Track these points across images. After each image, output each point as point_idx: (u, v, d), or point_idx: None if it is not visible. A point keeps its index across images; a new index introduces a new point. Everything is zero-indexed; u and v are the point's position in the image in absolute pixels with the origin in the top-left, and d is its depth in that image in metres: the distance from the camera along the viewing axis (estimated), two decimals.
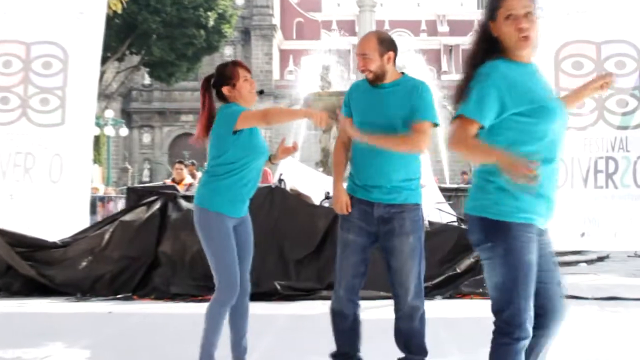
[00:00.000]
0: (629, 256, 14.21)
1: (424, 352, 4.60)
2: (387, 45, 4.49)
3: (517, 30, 3.23)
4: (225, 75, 4.76)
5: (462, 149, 3.22)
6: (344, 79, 21.27)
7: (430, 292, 8.42)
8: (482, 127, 3.23)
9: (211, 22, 42.47)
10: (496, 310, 3.34)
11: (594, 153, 9.58)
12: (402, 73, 4.62)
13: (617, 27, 9.83)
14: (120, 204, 22.02)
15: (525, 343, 3.27)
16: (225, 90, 4.74)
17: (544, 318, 3.36)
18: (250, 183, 4.71)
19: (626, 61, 9.77)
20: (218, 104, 4.82)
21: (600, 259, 14.05)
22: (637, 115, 9.61)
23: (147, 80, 55.93)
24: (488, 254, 3.31)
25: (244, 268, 4.77)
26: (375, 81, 4.47)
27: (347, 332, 4.71)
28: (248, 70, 4.81)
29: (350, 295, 4.60)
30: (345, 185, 4.63)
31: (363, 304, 8.06)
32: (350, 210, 4.48)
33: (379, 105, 4.43)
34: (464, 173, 23.02)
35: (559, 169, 3.34)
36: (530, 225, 3.25)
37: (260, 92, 5.09)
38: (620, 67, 9.73)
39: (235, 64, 4.85)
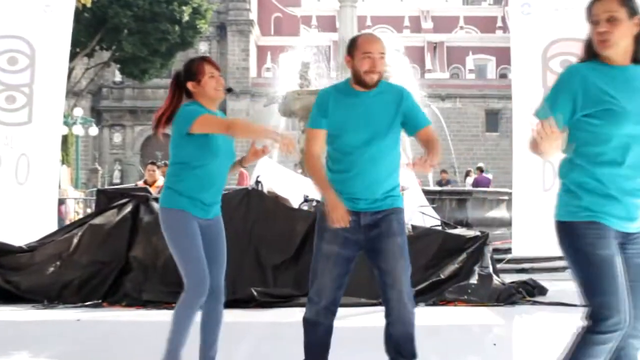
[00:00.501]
0: None
1: (415, 356, 4.59)
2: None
3: (596, 35, 3.42)
4: (191, 70, 4.78)
5: (535, 150, 3.45)
6: (323, 77, 21.24)
7: (415, 299, 8.44)
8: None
9: (185, 17, 42.34)
10: (585, 309, 3.45)
11: None
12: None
13: None
14: (73, 206, 21.96)
15: (608, 338, 3.34)
16: (190, 85, 4.76)
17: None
18: (211, 186, 4.69)
19: None
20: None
21: None
22: None
23: (118, 77, 55.71)
24: (565, 256, 3.50)
25: (216, 274, 4.76)
26: (375, 85, 4.36)
27: (321, 343, 4.70)
28: (216, 67, 4.80)
29: (331, 307, 4.58)
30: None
31: (341, 311, 8.09)
32: (348, 218, 4.31)
33: (367, 112, 4.34)
34: (443, 172, 23.05)
35: (632, 169, 3.36)
36: (597, 223, 3.35)
37: (229, 90, 5.08)
38: None
39: (202, 59, 4.85)
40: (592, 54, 3.48)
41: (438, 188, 19.80)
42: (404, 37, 55.65)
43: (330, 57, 32.31)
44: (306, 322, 4.61)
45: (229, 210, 8.08)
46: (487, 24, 62.53)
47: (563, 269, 12.82)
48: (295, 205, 9.86)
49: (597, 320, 3.35)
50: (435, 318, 7.65)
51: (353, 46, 4.40)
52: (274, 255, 8.88)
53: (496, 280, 8.76)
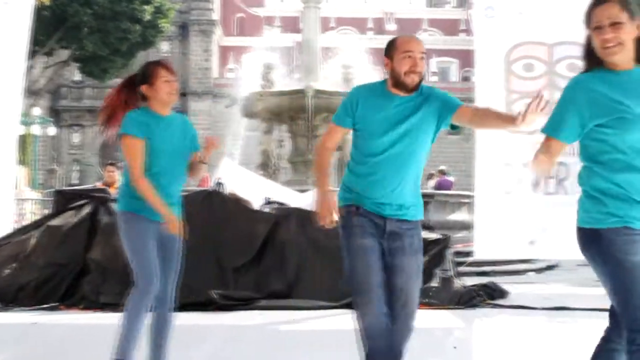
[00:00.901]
0: (578, 265, 14.45)
1: None
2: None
3: (601, 42, 3.40)
4: (146, 73, 4.81)
5: (540, 166, 3.60)
6: (286, 78, 21.23)
7: None
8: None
9: (147, 16, 42.08)
10: (620, 319, 3.42)
11: None
12: None
13: (569, 29, 9.99)
14: (31, 208, 21.76)
15: None
16: (143, 88, 4.79)
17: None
18: (164, 187, 4.71)
19: (578, 63, 9.92)
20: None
21: (549, 267, 14.28)
22: None
23: (78, 76, 55.17)
24: (592, 264, 3.48)
25: (168, 279, 4.81)
26: (415, 88, 4.16)
27: (386, 352, 4.17)
28: (172, 72, 4.81)
29: (383, 307, 4.11)
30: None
31: (302, 314, 8.10)
32: (334, 218, 4.19)
33: (398, 116, 4.15)
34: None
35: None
36: (626, 228, 3.34)
37: (183, 95, 5.11)
38: (572, 70, 9.89)
39: (158, 63, 4.89)
40: (595, 61, 3.48)
41: None
42: (368, 38, 55.71)
43: (294, 58, 32.30)
44: (368, 331, 4.13)
45: (190, 212, 8.00)
46: (450, 27, 62.90)
47: (524, 272, 12.95)
48: (257, 207, 9.84)
49: (637, 330, 3.31)
50: None
51: (392, 47, 4.24)
52: (235, 257, 8.85)
53: (457, 283, 8.81)
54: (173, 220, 4.62)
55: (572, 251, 11.25)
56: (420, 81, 4.15)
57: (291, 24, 57.07)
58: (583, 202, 3.50)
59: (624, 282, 3.33)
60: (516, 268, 12.48)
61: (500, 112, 4.28)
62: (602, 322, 7.60)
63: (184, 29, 58.85)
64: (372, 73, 20.79)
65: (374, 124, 4.15)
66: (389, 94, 4.20)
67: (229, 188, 9.96)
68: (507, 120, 4.02)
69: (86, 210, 9.11)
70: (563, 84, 10.58)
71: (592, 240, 3.43)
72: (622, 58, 3.40)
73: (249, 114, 18.71)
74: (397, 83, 4.16)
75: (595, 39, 3.43)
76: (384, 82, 4.28)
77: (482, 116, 4.25)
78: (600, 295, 10.44)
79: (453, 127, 4.27)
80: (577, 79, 3.50)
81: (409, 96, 4.16)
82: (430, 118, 4.17)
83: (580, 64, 10.60)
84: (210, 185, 12.05)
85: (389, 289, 4.16)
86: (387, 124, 4.13)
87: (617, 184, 3.35)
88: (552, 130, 3.51)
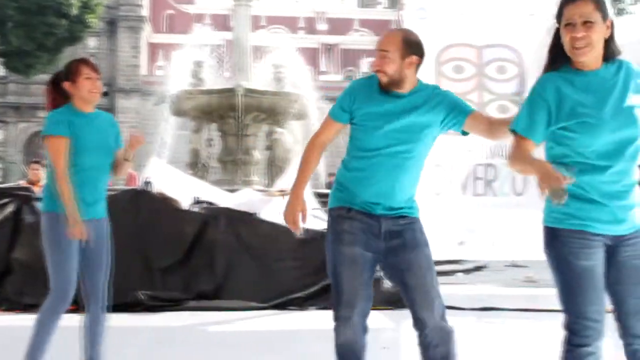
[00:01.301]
0: (506, 266, 14.67)
1: None
2: (413, 48, 4.08)
3: (571, 39, 3.37)
4: (69, 70, 4.83)
5: (516, 166, 3.54)
6: (217, 77, 21.11)
7: (304, 303, 8.49)
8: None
9: (74, 11, 41.45)
10: (563, 318, 3.47)
11: (474, 160, 9.83)
12: (419, 80, 4.17)
13: (498, 31, 10.14)
14: None
15: (588, 351, 3.36)
16: (66, 85, 4.81)
17: (622, 333, 3.44)
18: (88, 185, 4.73)
19: (507, 66, 10.08)
20: None
21: (478, 268, 14.45)
22: None
23: (2, 71, 54.13)
24: (547, 260, 3.51)
25: (98, 278, 4.82)
26: (389, 87, 4.01)
27: None
28: (95, 70, 4.81)
29: (364, 322, 3.97)
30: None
31: (231, 315, 8.07)
32: (300, 225, 4.11)
33: (399, 113, 3.97)
34: (332, 175, 23.20)
35: (617, 175, 3.37)
36: (582, 232, 3.37)
37: (105, 94, 5.08)
38: (501, 72, 10.04)
39: (81, 61, 4.91)
40: (561, 58, 3.45)
41: (329, 191, 19.89)
42: (299, 38, 55.83)
43: (224, 56, 32.13)
44: (342, 348, 3.97)
45: (117, 211, 7.91)
46: (381, 27, 63.22)
47: (453, 272, 13.09)
48: (186, 206, 9.77)
49: (574, 331, 3.39)
50: (327, 322, 7.67)
51: (422, 46, 4.17)
52: (163, 257, 8.77)
53: (387, 283, 8.86)
54: (79, 226, 4.57)
55: (501, 252, 11.48)
56: (390, 80, 3.99)
57: (222, 22, 56.79)
58: (548, 201, 3.46)
59: (571, 284, 3.40)
60: (445, 269, 12.58)
61: (499, 120, 4.19)
62: (528, 322, 7.76)
63: (112, 25, 58.13)
64: (303, 72, 20.84)
65: (371, 117, 3.98)
66: (380, 90, 4.04)
67: (157, 187, 9.86)
68: None
69: (9, 209, 8.94)
70: (492, 85, 10.84)
71: (550, 239, 3.47)
72: (590, 58, 3.39)
73: (178, 112, 18.57)
74: (396, 84, 4.03)
75: (565, 36, 3.40)
76: (370, 78, 4.15)
77: (499, 125, 4.06)
78: (527, 296, 10.67)
79: (464, 132, 4.20)
80: (546, 78, 3.47)
81: (405, 93, 4.03)
82: (432, 118, 4.03)
83: (509, 67, 10.77)
84: (138, 184, 11.93)
85: (404, 291, 3.98)
86: (384, 120, 3.96)
87: (579, 186, 3.35)
88: (524, 129, 3.47)
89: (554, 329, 7.98)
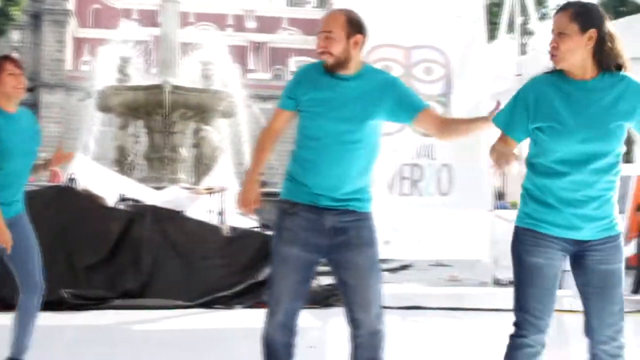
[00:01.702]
0: (431, 265, 14.83)
1: None
2: (357, 26, 3.94)
3: (549, 47, 3.49)
4: None
5: (490, 156, 3.61)
6: (143, 73, 20.93)
7: (231, 301, 8.47)
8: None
9: None
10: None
11: (400, 160, 9.93)
12: (364, 63, 4.04)
13: (425, 33, 10.26)
14: None
15: (525, 342, 3.51)
16: None
17: (589, 335, 3.54)
18: (9, 186, 4.67)
19: (434, 67, 10.21)
20: None
21: (403, 267, 14.59)
22: None
23: None
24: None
25: (29, 268, 4.80)
26: (335, 68, 3.89)
27: None
28: (18, 66, 4.75)
29: (289, 321, 3.96)
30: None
31: (156, 313, 8.01)
32: (254, 210, 4.05)
33: (343, 97, 3.88)
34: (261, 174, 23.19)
35: (576, 184, 3.45)
36: (535, 231, 3.51)
37: (29, 90, 5.03)
38: (428, 73, 10.17)
39: (3, 57, 4.81)
40: None
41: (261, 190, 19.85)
42: (227, 35, 55.59)
43: (152, 52, 31.81)
44: (265, 341, 4.00)
45: (40, 208, 7.83)
46: (310, 26, 63.41)
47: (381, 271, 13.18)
48: (111, 204, 9.67)
49: (515, 323, 3.55)
50: (253, 320, 7.66)
51: (364, 27, 3.99)
52: (87, 255, 8.66)
53: (313, 282, 8.90)
54: (4, 235, 4.53)
55: (425, 251, 11.58)
56: (336, 60, 3.87)
57: (149, 18, 56.28)
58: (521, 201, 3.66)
59: (519, 279, 3.57)
60: None
61: (469, 118, 4.18)
62: (453, 321, 7.86)
63: (36, 18, 57.18)
64: (232, 70, 20.78)
65: (316, 103, 3.89)
66: (324, 74, 3.93)
67: (82, 184, 9.75)
68: (480, 121, 3.99)
69: None
70: (419, 86, 10.93)
71: (513, 236, 3.62)
72: (573, 67, 3.46)
73: (104, 108, 18.37)
74: (343, 64, 3.90)
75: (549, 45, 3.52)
76: (319, 64, 4.01)
77: (451, 124, 4.15)
78: (451, 295, 10.80)
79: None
80: (535, 78, 3.57)
81: (355, 74, 3.92)
82: (380, 106, 3.92)
83: (436, 68, 10.90)
84: (62, 180, 11.77)
85: (342, 289, 3.96)
86: (332, 105, 3.86)
87: (538, 187, 3.51)
88: (505, 126, 3.60)
89: (478, 327, 8.11)
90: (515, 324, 3.54)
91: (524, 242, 3.55)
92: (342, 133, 3.85)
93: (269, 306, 3.97)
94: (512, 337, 3.55)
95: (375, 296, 3.93)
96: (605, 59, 3.44)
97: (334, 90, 3.88)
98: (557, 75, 3.52)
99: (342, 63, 3.88)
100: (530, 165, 3.57)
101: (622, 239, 3.57)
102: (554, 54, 3.46)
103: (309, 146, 3.91)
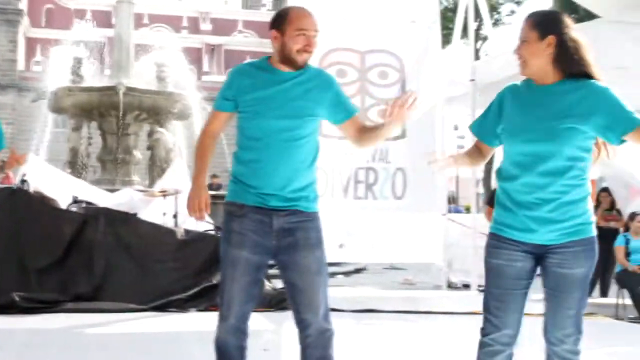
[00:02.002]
0: (385, 268, 14.91)
1: None
2: (272, 22, 3.98)
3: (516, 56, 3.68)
4: None
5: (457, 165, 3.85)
6: (97, 74, 20.74)
7: (185, 304, 8.43)
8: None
9: None
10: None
11: (355, 163, 9.97)
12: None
13: (380, 37, 10.32)
14: None
15: (483, 341, 3.66)
16: None
17: (543, 335, 3.67)
18: None
19: (389, 71, 10.28)
20: None
21: (358, 270, 14.64)
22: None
23: None
24: None
25: None
26: (303, 66, 3.91)
27: None
28: None
29: (241, 324, 3.94)
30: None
31: (109, 317, 7.95)
32: (205, 215, 4.01)
33: (285, 94, 3.88)
34: (214, 176, 23.07)
35: (528, 186, 3.54)
36: (497, 235, 3.67)
37: None
38: (383, 77, 10.23)
39: None
40: None
41: (211, 192, 19.77)
42: (182, 37, 55.35)
43: (105, 53, 31.55)
44: (217, 344, 3.97)
45: None
46: (265, 29, 62.18)
47: (333, 274, 13.21)
48: (64, 206, 9.57)
49: (482, 325, 3.68)
50: (207, 324, 7.64)
51: (283, 20, 3.90)
52: (39, 258, 8.57)
53: (267, 285, 8.88)
54: None
55: (380, 255, 11.65)
56: (284, 58, 3.89)
57: (103, 19, 55.81)
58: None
59: (485, 281, 3.70)
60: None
61: (377, 125, 4.09)
62: (407, 324, 7.91)
63: None
64: (187, 72, 20.69)
65: (257, 102, 3.87)
66: (275, 70, 3.93)
67: (34, 186, 9.64)
68: (384, 127, 3.95)
69: None
70: (374, 90, 10.99)
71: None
72: (534, 73, 3.61)
73: (57, 109, 18.17)
74: (286, 59, 3.90)
75: None
76: (266, 58, 4.01)
77: (365, 133, 4.08)
78: (405, 298, 10.86)
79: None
80: (506, 86, 3.75)
81: (296, 72, 3.91)
82: (319, 105, 3.94)
83: (391, 72, 10.99)
84: (14, 182, 11.63)
85: (290, 291, 3.95)
86: (273, 103, 3.85)
87: (501, 191, 3.67)
88: (477, 132, 3.81)
89: (432, 330, 8.16)
90: (482, 323, 3.67)
91: (489, 245, 3.70)
92: (284, 130, 3.84)
93: (220, 310, 3.96)
94: (480, 335, 3.68)
95: (323, 297, 3.93)
96: (568, 65, 3.54)
97: (277, 87, 3.89)
98: (525, 82, 3.68)
99: (284, 60, 3.90)
100: (498, 170, 3.71)
101: (593, 244, 3.60)
102: (519, 61, 3.63)
103: (253, 146, 3.89)
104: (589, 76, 3.54)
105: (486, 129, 3.75)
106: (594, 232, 3.60)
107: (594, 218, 3.63)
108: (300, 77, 3.92)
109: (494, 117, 3.70)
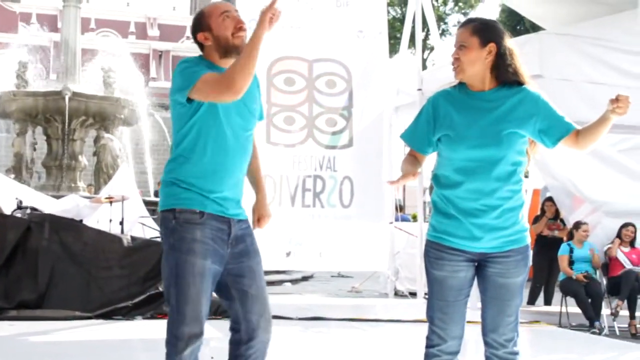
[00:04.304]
0: (332, 276, 14.96)
1: None
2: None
3: (452, 61, 3.68)
4: None
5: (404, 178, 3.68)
6: (43, 78, 20.53)
7: (131, 312, 8.38)
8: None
9: None
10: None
11: (303, 171, 10.00)
12: None
13: (328, 47, 10.38)
14: None
15: (429, 352, 3.69)
16: None
17: (483, 339, 3.72)
18: None
19: (336, 80, 10.33)
20: None
21: (305, 278, 14.68)
22: (345, 135, 10.19)
23: None
24: None
25: None
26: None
27: None
28: None
29: (202, 338, 3.72)
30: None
31: (54, 325, 7.87)
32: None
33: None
34: (159, 183, 23.02)
35: (474, 192, 3.56)
36: (438, 244, 3.65)
37: None
38: (330, 86, 10.28)
39: None
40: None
41: (158, 199, 19.69)
42: (130, 42, 54.88)
43: (51, 57, 31.23)
44: None
45: None
46: None
47: (280, 282, 13.24)
48: (8, 211, 9.47)
49: (427, 336, 3.69)
50: (154, 332, 7.61)
51: (203, 18, 3.75)
52: None
53: (213, 294, 8.87)
54: None
55: (327, 263, 11.68)
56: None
57: (49, 22, 55.17)
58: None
59: (429, 291, 3.72)
60: (273, 279, 12.71)
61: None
62: (354, 332, 7.96)
63: None
64: (134, 78, 20.57)
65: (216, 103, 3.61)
66: (221, 69, 3.66)
67: None
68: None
69: None
70: (322, 99, 11.04)
71: (424, 248, 3.75)
72: (472, 79, 3.64)
73: (2, 114, 17.98)
74: (227, 49, 3.70)
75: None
76: (200, 57, 3.81)
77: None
78: (352, 306, 10.90)
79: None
80: (435, 93, 3.76)
81: None
82: (254, 100, 3.78)
83: (338, 81, 11.06)
84: None
85: (240, 298, 3.72)
86: (229, 105, 3.61)
87: (441, 199, 3.64)
88: (408, 139, 3.79)
89: (378, 338, 8.22)
90: (427, 335, 3.69)
91: (430, 255, 3.68)
92: (240, 128, 3.68)
93: (183, 328, 3.65)
94: (425, 347, 3.70)
95: (268, 302, 3.78)
96: (504, 73, 3.61)
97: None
98: (457, 88, 3.70)
99: (225, 53, 3.74)
100: (435, 177, 3.70)
101: (529, 251, 3.69)
102: (455, 66, 3.63)
103: (212, 148, 3.63)
104: (519, 83, 3.63)
105: (419, 137, 3.73)
106: (529, 239, 3.69)
107: (527, 225, 3.70)
108: None
109: (427, 125, 3.69)
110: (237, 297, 3.73)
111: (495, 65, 3.60)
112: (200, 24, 3.77)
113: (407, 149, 3.85)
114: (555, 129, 3.57)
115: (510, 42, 3.65)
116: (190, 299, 3.61)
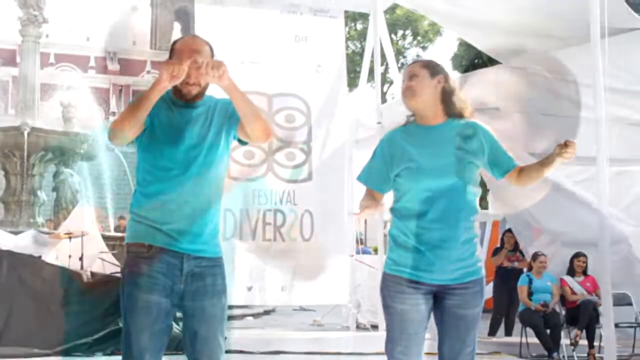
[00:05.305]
0: (294, 310, 14.91)
1: None
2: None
3: (402, 90, 3.81)
4: None
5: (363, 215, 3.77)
6: (1, 114, 20.39)
7: (91, 348, 8.30)
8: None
9: None
10: None
11: (263, 205, 10.01)
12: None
13: (288, 81, 10.45)
14: None
15: None
16: None
17: None
18: None
19: (296, 115, 10.40)
20: None
21: (267, 312, 14.62)
22: (305, 169, 10.24)
23: None
24: None
25: None
26: (196, 99, 3.66)
27: None
28: None
29: None
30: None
31: None
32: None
33: (190, 127, 3.59)
34: (122, 218, 22.81)
35: (436, 223, 3.59)
36: (399, 277, 3.66)
37: None
38: (290, 121, 10.34)
39: None
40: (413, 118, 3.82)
41: (119, 234, 19.52)
42: (90, 77, 54.79)
43: (10, 92, 31.04)
44: None
45: None
46: None
47: (242, 316, 13.18)
48: None
49: None
50: None
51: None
52: None
53: (175, 328, 8.81)
54: None
55: (288, 296, 11.65)
56: (204, 91, 3.68)
57: (8, 57, 54.79)
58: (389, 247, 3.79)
59: (387, 324, 3.73)
60: (234, 313, 12.66)
61: None
62: None
63: None
64: (94, 112, 20.49)
65: (162, 133, 3.56)
66: (176, 102, 3.66)
67: None
68: None
69: None
70: (281, 133, 11.07)
71: (381, 282, 3.76)
72: (425, 110, 3.73)
73: None
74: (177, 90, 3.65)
75: (402, 92, 3.80)
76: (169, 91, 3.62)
77: None
78: (314, 339, 10.89)
79: (242, 142, 3.77)
80: (388, 133, 3.84)
81: (193, 103, 3.65)
82: (220, 131, 3.67)
83: (298, 116, 11.10)
84: None
85: (190, 338, 3.62)
86: (176, 135, 3.57)
87: (403, 232, 3.65)
88: (365, 180, 3.85)
89: None
90: None
91: (390, 288, 3.69)
92: (191, 162, 3.56)
93: None
94: None
95: (221, 345, 3.65)
96: (452, 107, 3.74)
97: (177, 118, 3.63)
98: (409, 125, 3.79)
99: (202, 93, 3.72)
100: (395, 210, 3.73)
101: (484, 282, 3.74)
102: (408, 94, 3.73)
103: (161, 179, 3.56)
104: (465, 117, 3.76)
105: (375, 176, 3.82)
106: (483, 271, 3.74)
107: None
108: (198, 109, 3.68)
109: (382, 164, 3.77)
110: (187, 336, 3.65)
111: (443, 99, 3.73)
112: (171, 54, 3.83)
113: None
114: (502, 164, 3.70)
115: (452, 81, 3.80)
116: (132, 334, 3.60)
